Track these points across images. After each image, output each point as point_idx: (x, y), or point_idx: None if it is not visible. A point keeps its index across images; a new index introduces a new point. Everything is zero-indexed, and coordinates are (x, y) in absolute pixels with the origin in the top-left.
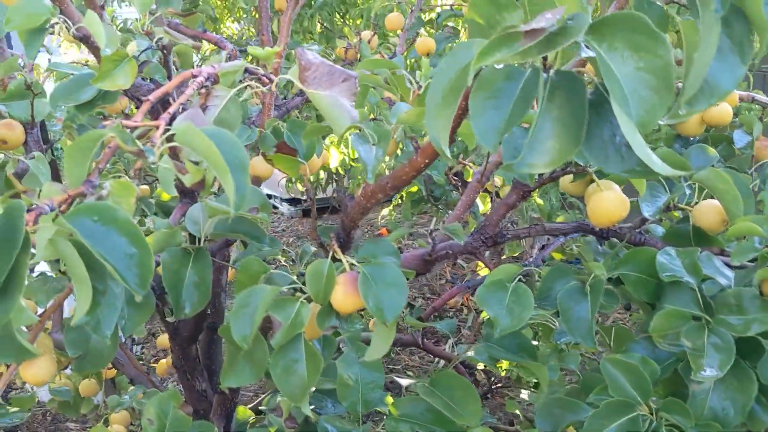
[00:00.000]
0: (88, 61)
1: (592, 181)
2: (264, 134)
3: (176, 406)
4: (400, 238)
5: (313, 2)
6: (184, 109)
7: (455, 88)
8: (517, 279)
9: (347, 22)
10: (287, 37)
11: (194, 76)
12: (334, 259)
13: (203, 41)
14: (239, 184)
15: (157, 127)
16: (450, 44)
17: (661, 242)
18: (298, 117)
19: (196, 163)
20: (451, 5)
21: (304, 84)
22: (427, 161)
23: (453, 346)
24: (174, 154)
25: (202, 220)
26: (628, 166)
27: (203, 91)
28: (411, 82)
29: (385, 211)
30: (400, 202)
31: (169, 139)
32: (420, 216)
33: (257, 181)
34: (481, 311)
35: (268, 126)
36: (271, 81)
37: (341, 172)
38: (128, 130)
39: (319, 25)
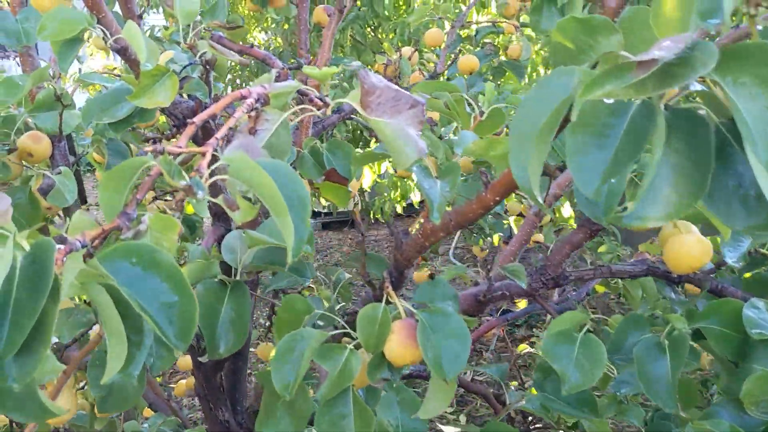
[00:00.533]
0: (116, 68)
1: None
2: (302, 155)
3: None
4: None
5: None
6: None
7: (551, 123)
8: (586, 329)
9: (378, 36)
10: (329, 53)
11: (244, 97)
12: (387, 301)
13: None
14: (299, 226)
15: (203, 154)
16: (489, 62)
17: (741, 291)
18: (334, 136)
19: (248, 198)
20: (494, 22)
21: (367, 110)
22: (497, 198)
23: (504, 391)
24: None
25: (240, 249)
26: (756, 221)
27: (253, 113)
28: (472, 107)
29: (412, 231)
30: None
31: (218, 169)
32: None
33: None
34: (518, 345)
35: (305, 146)
36: (327, 105)
37: (366, 189)
38: (172, 157)
39: (350, 39)
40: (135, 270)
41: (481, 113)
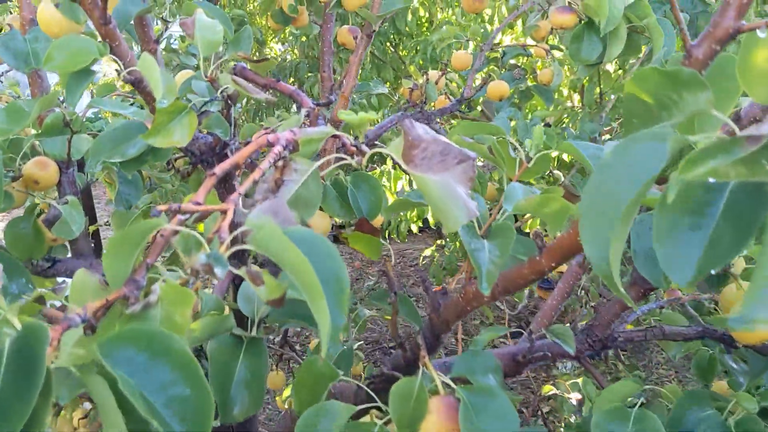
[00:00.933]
0: (129, 88)
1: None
2: (324, 187)
3: None
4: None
5: None
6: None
7: (637, 201)
8: (640, 403)
9: (399, 53)
10: (355, 80)
11: (271, 144)
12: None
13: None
14: (335, 311)
15: (224, 213)
16: (518, 87)
17: None
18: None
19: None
20: (523, 45)
21: (410, 165)
22: (553, 264)
23: None
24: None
25: (258, 299)
26: None
27: (280, 163)
28: (516, 150)
29: (428, 252)
30: (443, 242)
31: (241, 235)
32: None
33: None
34: (543, 386)
35: (328, 177)
36: (363, 153)
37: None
38: (187, 217)
39: (369, 55)
40: (141, 357)
41: (528, 159)
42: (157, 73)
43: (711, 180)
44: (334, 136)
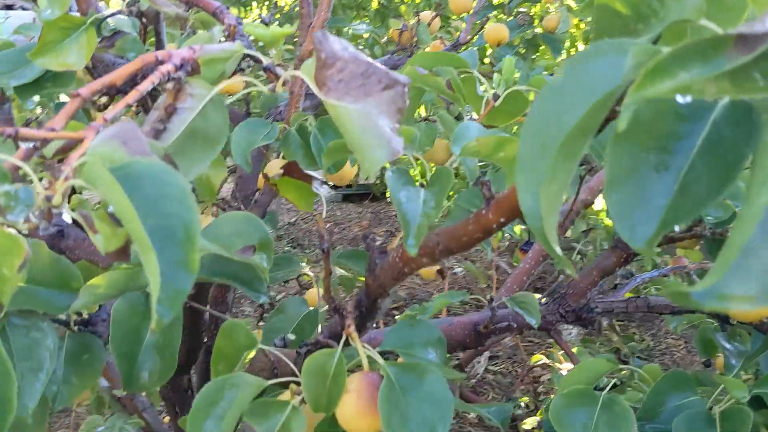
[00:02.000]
0: None
1: None
2: (287, 132)
3: None
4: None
5: None
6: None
7: (584, 128)
8: (611, 385)
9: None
10: (327, 12)
11: (160, 62)
12: (346, 344)
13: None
14: (173, 271)
15: (81, 141)
16: (522, 34)
17: None
18: None
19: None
20: None
21: (323, 88)
22: (502, 220)
23: None
24: None
25: None
26: None
27: (171, 86)
28: (484, 88)
29: None
30: None
31: (75, 168)
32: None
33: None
34: (533, 355)
35: (293, 122)
36: (277, 77)
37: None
38: (34, 145)
39: (375, 1)
40: None
41: (496, 97)
42: None
43: (680, 100)
44: (256, 60)
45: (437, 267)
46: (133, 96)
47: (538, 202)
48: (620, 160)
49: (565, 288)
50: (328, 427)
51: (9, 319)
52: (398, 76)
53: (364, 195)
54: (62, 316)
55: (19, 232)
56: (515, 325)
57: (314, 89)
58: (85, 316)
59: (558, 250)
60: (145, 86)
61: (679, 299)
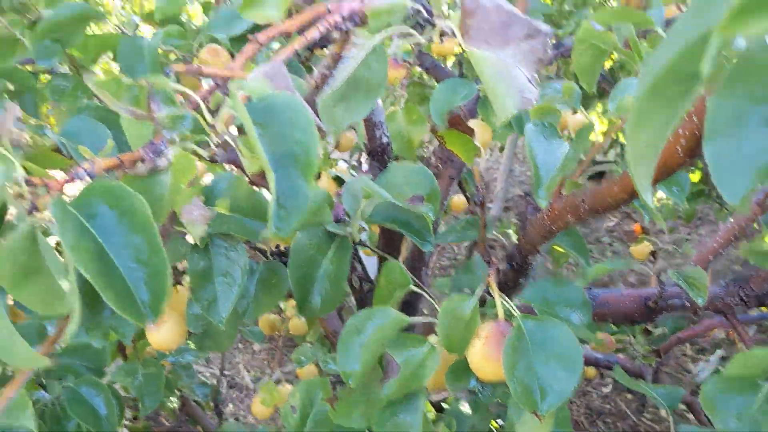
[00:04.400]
0: None
1: None
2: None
3: (324, 398)
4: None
5: None
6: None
7: (678, 76)
8: None
9: None
10: None
11: (329, 12)
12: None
13: None
14: (289, 187)
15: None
16: None
17: None
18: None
19: None
20: None
21: (465, 36)
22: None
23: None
24: None
25: (362, 198)
26: None
27: (339, 36)
28: None
29: None
30: None
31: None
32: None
33: None
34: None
35: None
36: (433, 25)
37: None
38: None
39: None
40: (112, 214)
41: None
42: None
43: None
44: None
45: (650, 248)
46: (300, 42)
47: (637, 152)
48: (721, 111)
49: (749, 271)
50: (460, 371)
51: (213, 240)
52: (541, 26)
53: None
54: (263, 246)
55: (199, 157)
56: (689, 305)
57: (458, 37)
58: (282, 248)
59: (648, 196)
60: (312, 34)
61: None
